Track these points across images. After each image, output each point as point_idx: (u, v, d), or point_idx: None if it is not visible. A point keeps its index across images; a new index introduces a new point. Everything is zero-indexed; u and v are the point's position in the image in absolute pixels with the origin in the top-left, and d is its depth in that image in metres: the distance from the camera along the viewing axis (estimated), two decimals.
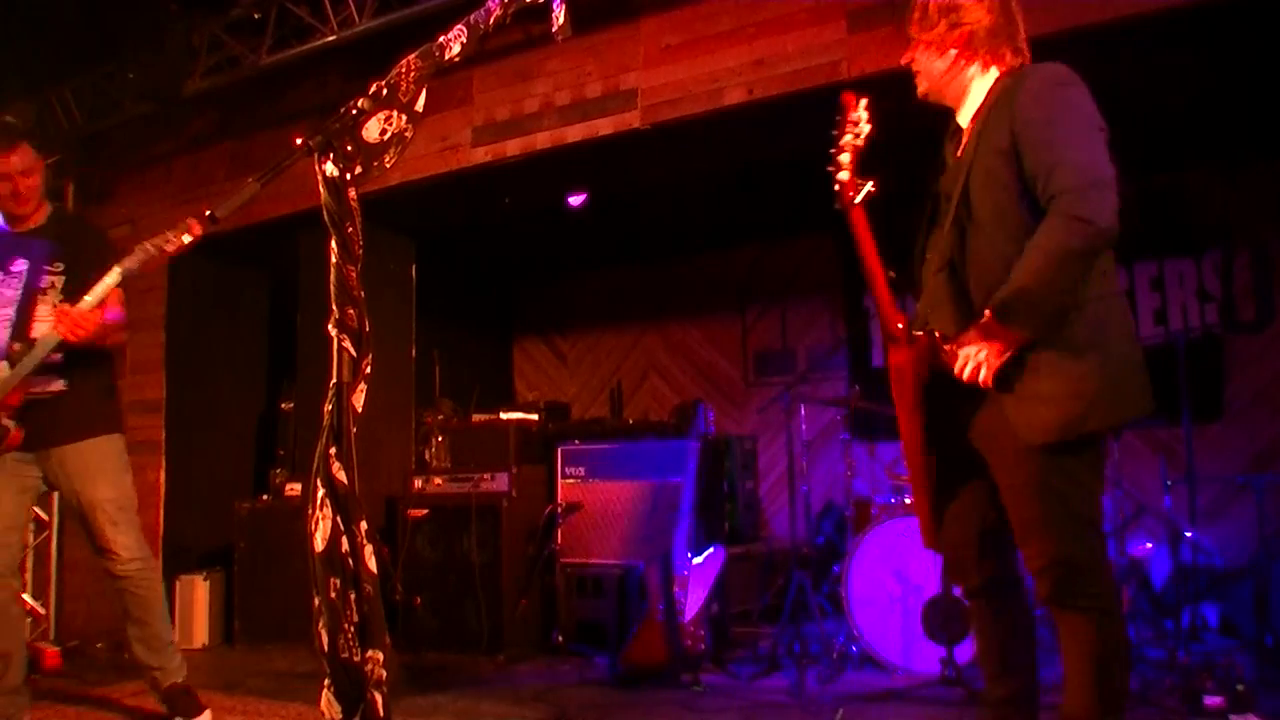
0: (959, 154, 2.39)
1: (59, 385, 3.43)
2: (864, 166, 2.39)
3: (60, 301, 3.33)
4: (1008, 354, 2.15)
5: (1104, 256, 2.21)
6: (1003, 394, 2.19)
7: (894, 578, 4.21)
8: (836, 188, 2.35)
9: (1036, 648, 2.48)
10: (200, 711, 3.62)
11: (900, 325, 2.32)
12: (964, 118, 2.42)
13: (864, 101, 2.43)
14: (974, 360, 2.17)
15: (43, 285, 3.43)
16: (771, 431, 6.57)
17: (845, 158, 2.37)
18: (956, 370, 2.20)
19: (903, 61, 2.50)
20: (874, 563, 4.27)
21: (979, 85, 2.38)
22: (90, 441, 3.52)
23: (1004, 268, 2.17)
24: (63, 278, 3.46)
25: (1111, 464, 4.48)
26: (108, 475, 3.56)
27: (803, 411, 4.98)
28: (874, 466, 6.00)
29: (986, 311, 2.16)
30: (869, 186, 2.35)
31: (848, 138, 2.40)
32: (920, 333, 2.30)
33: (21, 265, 3.42)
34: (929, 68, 2.42)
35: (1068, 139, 2.18)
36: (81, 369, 3.44)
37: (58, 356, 3.32)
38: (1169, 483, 4.65)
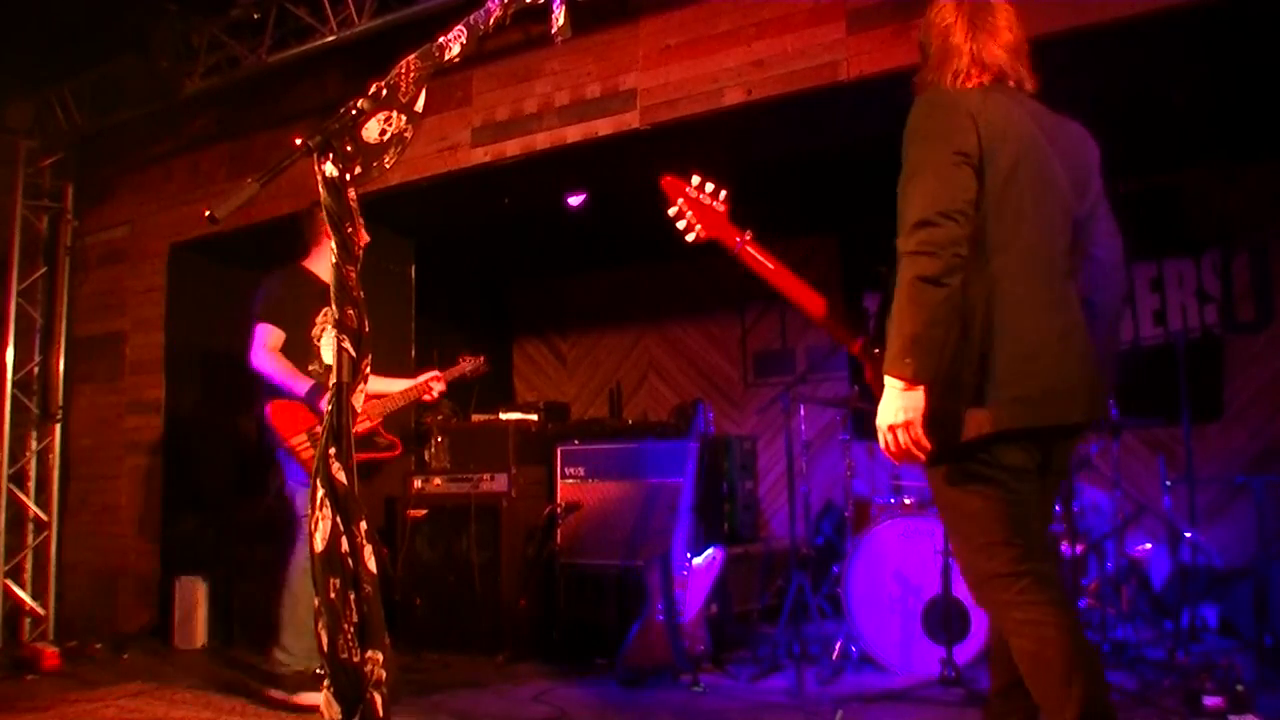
0: None
1: None
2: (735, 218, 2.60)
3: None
4: (900, 416, 2.07)
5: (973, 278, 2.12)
6: None
7: (893, 578, 4.21)
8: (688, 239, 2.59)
9: None
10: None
11: (857, 346, 2.38)
12: None
13: (679, 197, 2.62)
14: (887, 450, 2.13)
15: None
16: (771, 432, 6.57)
17: (700, 230, 2.60)
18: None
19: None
20: (873, 563, 4.28)
21: None
22: None
23: None
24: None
25: (1111, 464, 4.48)
26: None
27: (802, 412, 4.98)
28: (873, 467, 6.00)
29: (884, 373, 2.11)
30: (748, 235, 2.56)
31: (684, 224, 2.62)
32: (878, 350, 2.26)
33: None
34: None
35: (906, 182, 2.16)
36: None
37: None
38: (1168, 483, 4.65)
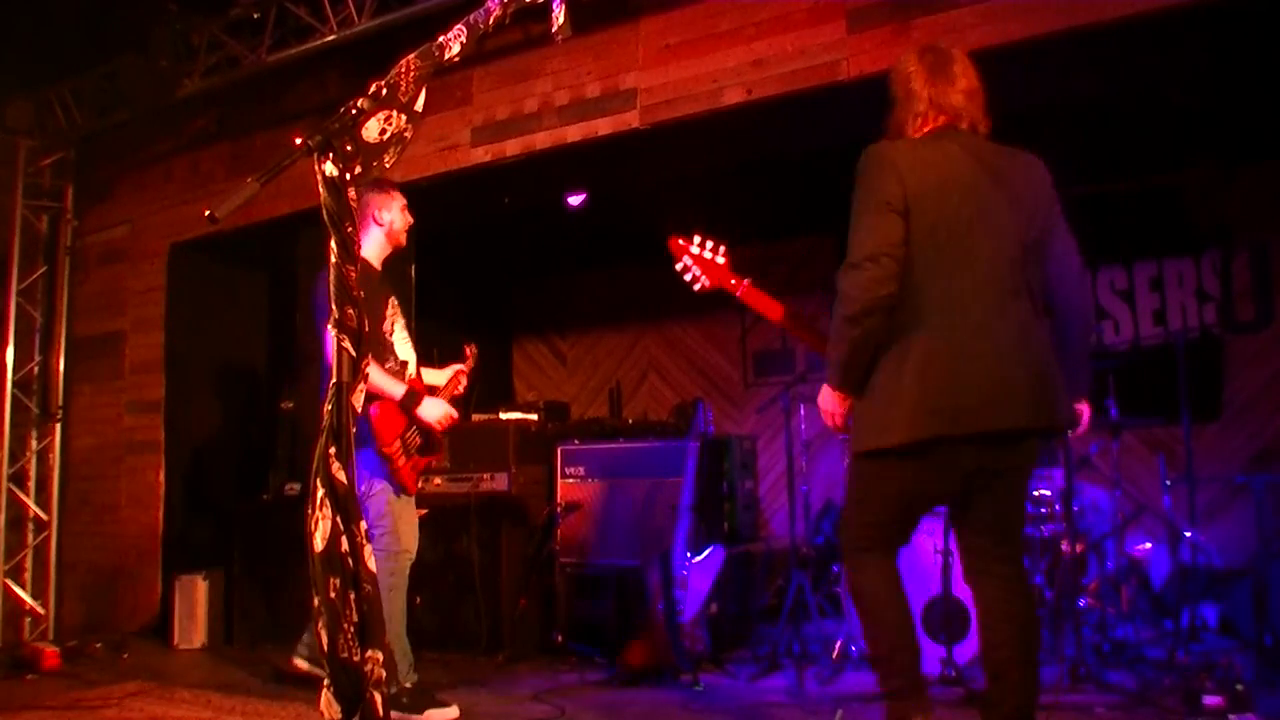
0: None
1: None
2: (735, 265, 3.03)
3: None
4: (835, 407, 2.60)
5: (902, 308, 2.46)
6: None
7: None
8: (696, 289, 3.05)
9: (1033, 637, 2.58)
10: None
11: None
12: None
13: (685, 255, 3.07)
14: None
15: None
16: (771, 431, 6.57)
17: (706, 281, 3.03)
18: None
19: None
20: None
21: None
22: None
23: None
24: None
25: (1111, 463, 4.48)
26: None
27: (802, 411, 4.98)
28: None
29: None
30: (745, 284, 2.99)
31: (690, 276, 3.06)
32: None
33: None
34: None
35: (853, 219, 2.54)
36: None
37: None
38: (1168, 482, 4.65)
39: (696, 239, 3.05)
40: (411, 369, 4.00)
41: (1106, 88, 4.45)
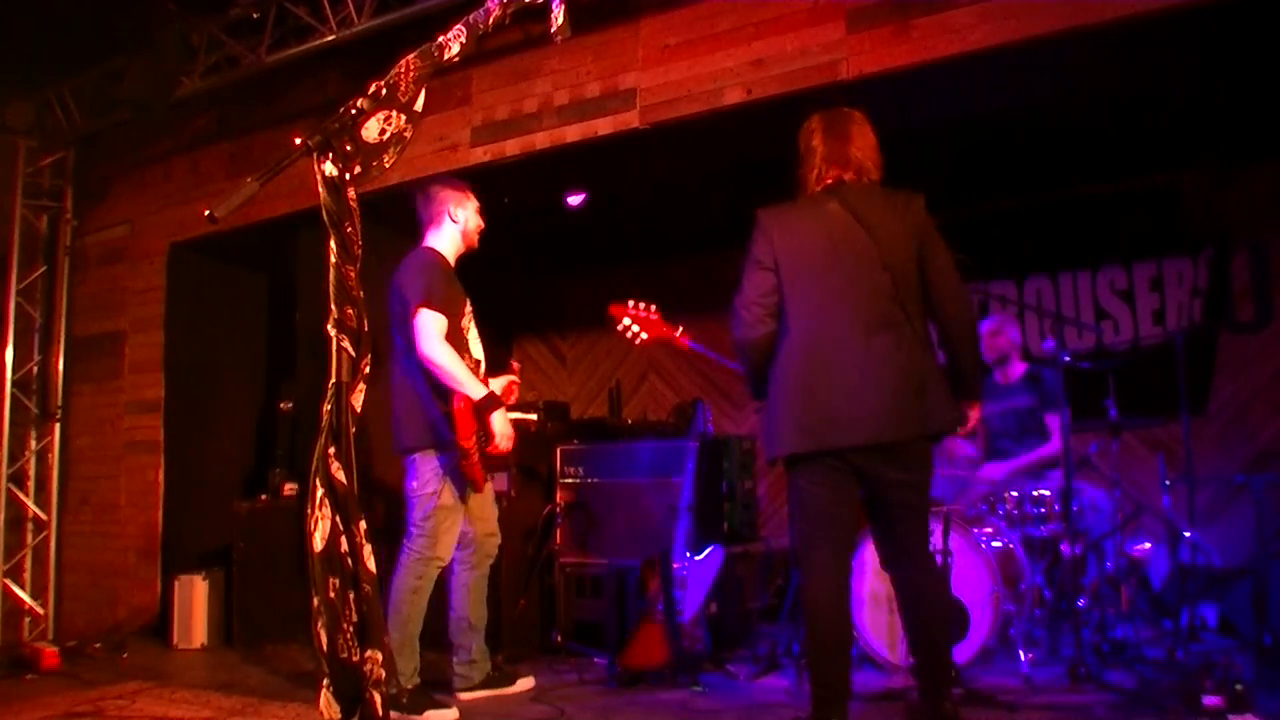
0: None
1: None
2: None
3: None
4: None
5: (782, 341, 2.99)
6: None
7: None
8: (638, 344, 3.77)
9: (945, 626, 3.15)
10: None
11: None
12: None
13: (625, 316, 3.77)
14: None
15: None
16: None
17: (645, 336, 3.74)
18: None
19: None
20: (872, 563, 4.27)
21: None
22: None
23: None
24: None
25: (1110, 463, 4.48)
26: None
27: None
28: None
29: None
30: (678, 331, 3.81)
31: (630, 335, 3.77)
32: None
33: None
34: None
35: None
36: None
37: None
38: (1167, 482, 4.65)
39: (630, 301, 3.79)
40: (482, 369, 4.00)
41: (1106, 88, 4.45)
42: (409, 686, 3.70)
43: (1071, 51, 3.85)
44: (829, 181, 3.04)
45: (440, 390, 3.75)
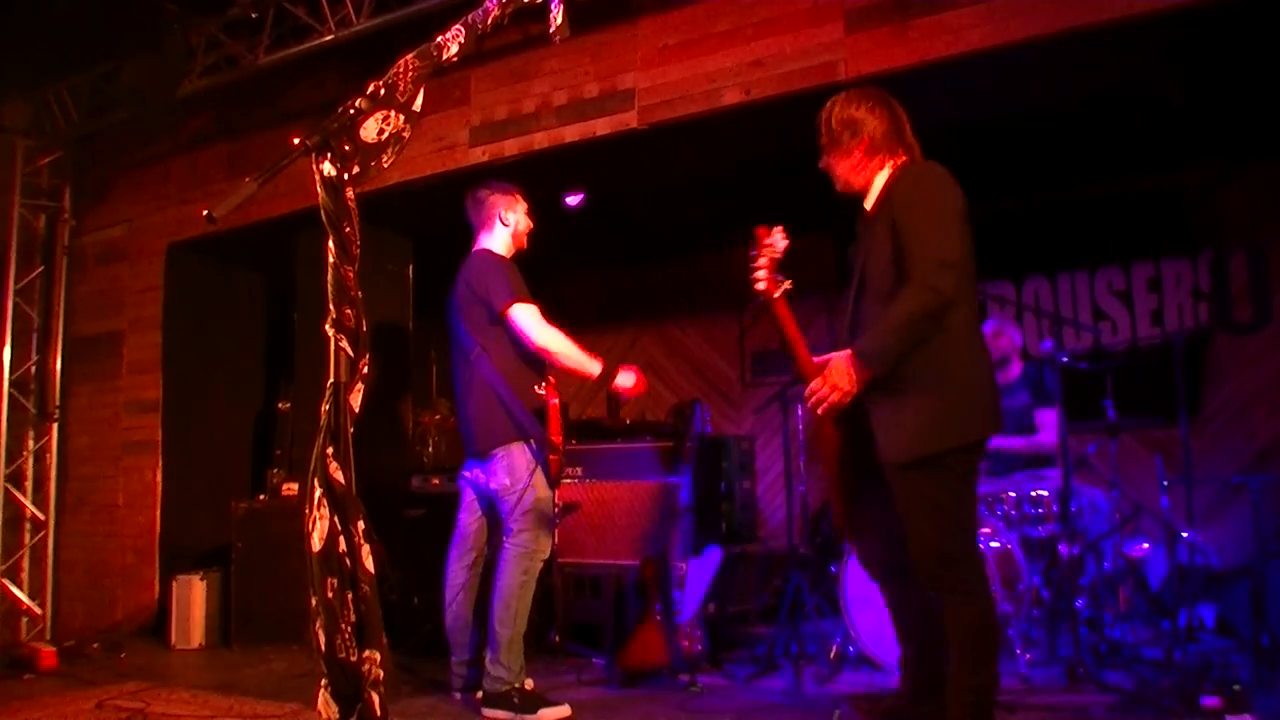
0: (864, 234, 2.95)
1: None
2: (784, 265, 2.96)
3: None
4: (856, 390, 2.69)
5: (952, 309, 2.64)
6: (874, 423, 2.73)
7: None
8: (759, 288, 2.93)
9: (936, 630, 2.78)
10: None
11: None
12: (869, 204, 2.95)
13: (776, 230, 2.97)
14: (817, 395, 2.76)
15: None
16: (769, 432, 6.57)
17: (762, 273, 2.91)
18: (807, 401, 2.79)
19: (820, 166, 3.02)
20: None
21: (879, 179, 2.91)
22: None
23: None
24: None
25: (1109, 464, 4.49)
26: None
27: (800, 411, 4.98)
28: None
29: (847, 351, 2.73)
30: (786, 285, 2.96)
31: (763, 259, 2.92)
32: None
33: None
34: (839, 170, 2.98)
35: (928, 225, 2.67)
36: None
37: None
38: (1166, 483, 4.65)
39: (780, 230, 2.97)
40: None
41: (1106, 88, 4.46)
42: (519, 685, 3.68)
43: (1071, 52, 3.86)
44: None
45: (524, 389, 3.82)
